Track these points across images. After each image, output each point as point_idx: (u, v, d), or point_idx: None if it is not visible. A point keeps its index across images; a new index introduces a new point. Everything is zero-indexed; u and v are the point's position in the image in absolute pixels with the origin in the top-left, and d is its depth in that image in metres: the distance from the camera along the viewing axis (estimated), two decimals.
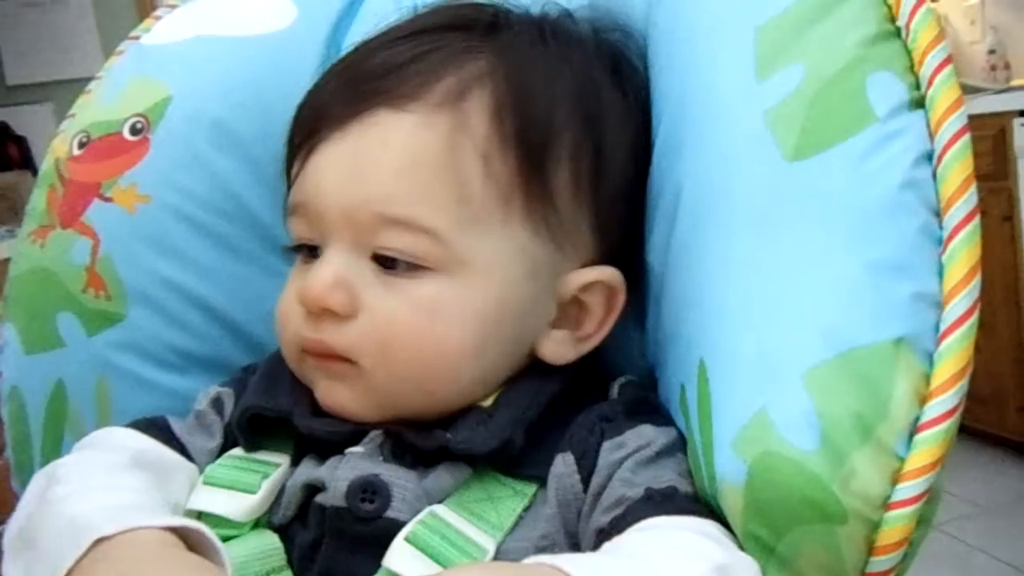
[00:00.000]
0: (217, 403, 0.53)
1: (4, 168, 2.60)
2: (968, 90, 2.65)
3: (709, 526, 0.42)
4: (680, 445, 0.47)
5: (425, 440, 0.46)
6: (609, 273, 0.50)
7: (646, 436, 0.46)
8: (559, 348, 0.50)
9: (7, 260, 2.01)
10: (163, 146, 0.59)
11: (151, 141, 0.59)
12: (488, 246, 0.46)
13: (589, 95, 0.50)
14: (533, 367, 0.50)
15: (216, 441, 0.52)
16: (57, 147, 0.62)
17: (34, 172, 2.71)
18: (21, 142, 2.72)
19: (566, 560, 0.35)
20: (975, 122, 2.24)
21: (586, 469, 0.45)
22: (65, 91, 2.84)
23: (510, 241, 0.47)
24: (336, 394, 0.47)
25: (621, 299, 0.50)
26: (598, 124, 0.50)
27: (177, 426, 0.53)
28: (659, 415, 0.49)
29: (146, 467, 0.47)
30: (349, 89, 0.48)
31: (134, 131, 0.60)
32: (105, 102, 0.62)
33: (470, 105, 0.47)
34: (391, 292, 0.46)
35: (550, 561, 0.35)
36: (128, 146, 0.59)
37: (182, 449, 0.51)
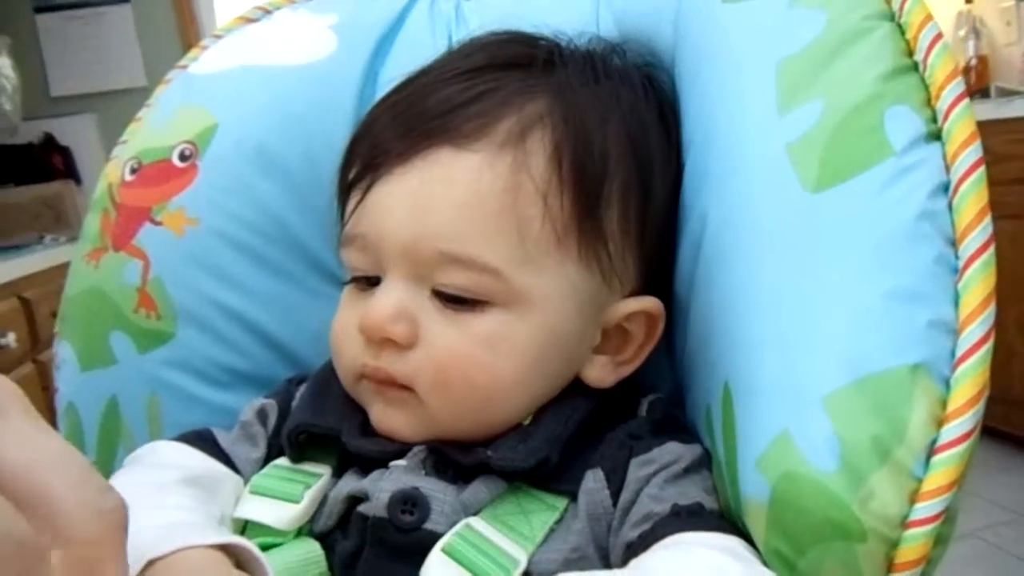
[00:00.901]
0: (262, 414, 0.56)
1: (49, 178, 2.66)
2: (1004, 93, 2.63)
3: (733, 542, 0.43)
4: (706, 462, 0.49)
5: (466, 457, 0.48)
6: (651, 303, 0.52)
7: (674, 453, 0.48)
8: (601, 372, 0.52)
9: (55, 267, 2.06)
10: (210, 172, 0.62)
11: (199, 167, 0.62)
12: (543, 282, 0.48)
13: (638, 136, 0.51)
14: (570, 386, 0.51)
15: (260, 451, 0.54)
16: (110, 172, 0.65)
17: (78, 181, 2.77)
18: (66, 152, 2.78)
19: None
20: (1012, 125, 2.23)
21: (615, 485, 0.47)
22: (107, 102, 2.91)
23: (563, 277, 0.49)
24: (391, 419, 0.49)
25: (660, 326, 0.52)
26: (646, 164, 0.51)
27: (222, 438, 0.55)
28: (686, 432, 0.51)
29: (194, 482, 0.49)
30: (410, 126, 0.49)
31: (182, 157, 0.62)
32: (155, 129, 0.65)
33: (530, 146, 0.48)
34: (450, 325, 0.48)
35: None
36: (177, 172, 0.62)
37: (227, 460, 0.54)
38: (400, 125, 0.49)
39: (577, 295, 0.49)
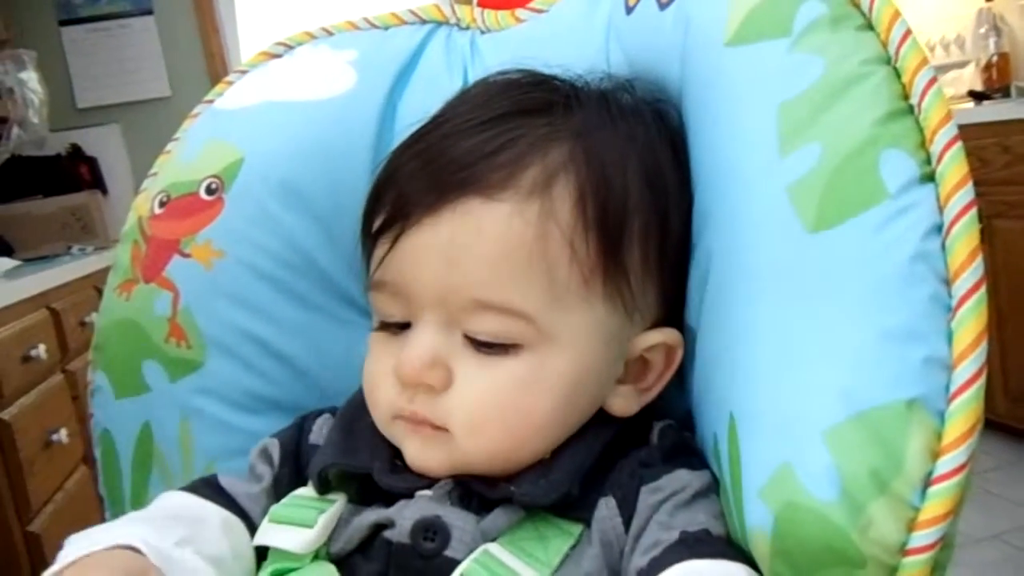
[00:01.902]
0: (265, 454, 0.58)
1: (76, 188, 2.71)
2: None
3: (738, 569, 0.45)
4: (714, 487, 0.50)
5: (490, 491, 0.50)
6: (671, 334, 0.54)
7: (682, 481, 0.49)
8: (625, 402, 0.54)
9: (84, 278, 2.09)
10: (236, 205, 0.64)
11: (224, 201, 0.64)
12: (571, 321, 0.50)
13: (654, 173, 0.53)
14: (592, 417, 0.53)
15: (262, 485, 0.57)
16: (140, 205, 0.68)
17: (104, 191, 2.82)
18: (92, 163, 2.83)
19: None
20: None
21: (627, 512, 0.49)
22: (132, 112, 2.97)
23: (590, 316, 0.51)
24: (426, 457, 0.51)
25: (679, 355, 0.54)
26: (663, 200, 0.53)
27: (226, 481, 0.57)
28: (695, 458, 0.52)
29: (173, 518, 0.52)
30: (438, 176, 0.50)
31: (209, 191, 0.65)
32: (183, 163, 0.68)
33: (556, 193, 0.49)
34: (482, 368, 0.50)
35: None
36: (204, 205, 0.65)
37: (230, 500, 0.56)
38: (428, 175, 0.51)
39: (603, 331, 0.51)
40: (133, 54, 2.99)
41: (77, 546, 0.46)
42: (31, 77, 2.51)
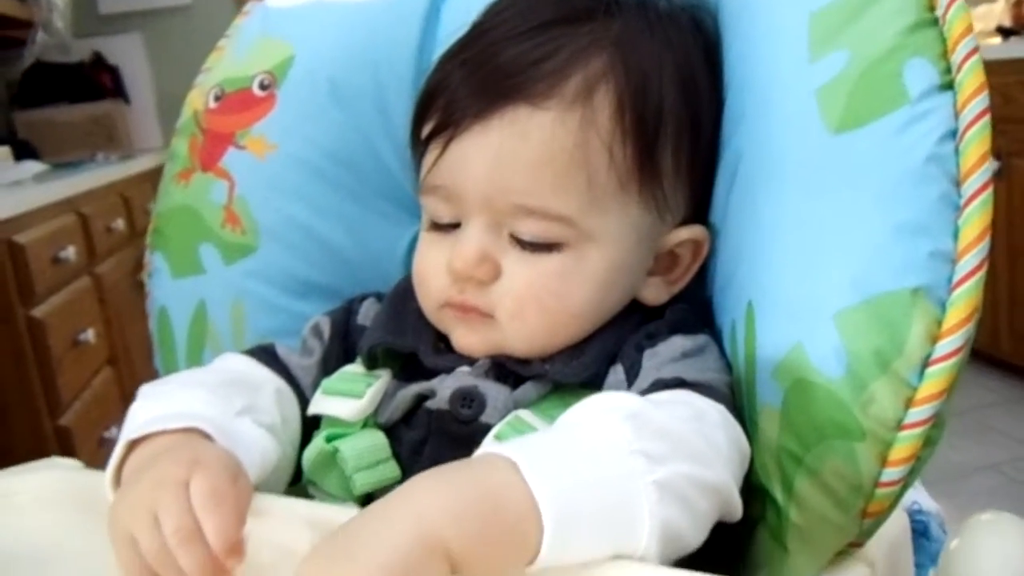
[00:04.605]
0: (316, 330, 0.63)
1: (99, 97, 2.73)
2: None
3: (693, 397, 0.49)
4: (708, 348, 0.55)
5: (525, 369, 0.55)
6: (699, 231, 0.58)
7: (675, 344, 0.54)
8: (656, 292, 0.58)
9: (110, 185, 2.13)
10: (287, 101, 0.68)
11: (276, 97, 0.68)
12: (608, 222, 0.54)
13: (689, 80, 0.56)
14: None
15: (314, 359, 0.62)
16: (194, 99, 0.71)
17: (126, 100, 2.84)
18: (114, 71, 2.84)
19: (508, 446, 0.43)
20: None
21: (632, 378, 0.54)
22: (153, 20, 2.95)
23: (625, 216, 0.55)
24: (471, 341, 0.56)
25: (705, 249, 0.59)
26: (696, 107, 0.57)
27: (282, 350, 0.62)
28: (694, 328, 0.56)
29: (231, 383, 0.56)
30: (485, 84, 0.53)
31: (262, 87, 0.69)
32: (235, 59, 0.71)
33: (596, 102, 0.53)
34: (526, 263, 0.54)
35: (494, 449, 0.42)
36: (257, 100, 0.69)
37: (284, 368, 0.61)
38: (476, 83, 0.54)
39: (637, 230, 0.56)
40: None
41: (151, 411, 0.51)
42: None
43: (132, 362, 2.17)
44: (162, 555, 0.41)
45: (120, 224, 2.21)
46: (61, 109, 2.63)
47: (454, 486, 0.40)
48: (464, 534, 0.38)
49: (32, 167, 2.13)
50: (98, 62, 2.82)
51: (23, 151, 2.32)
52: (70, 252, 1.83)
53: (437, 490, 0.39)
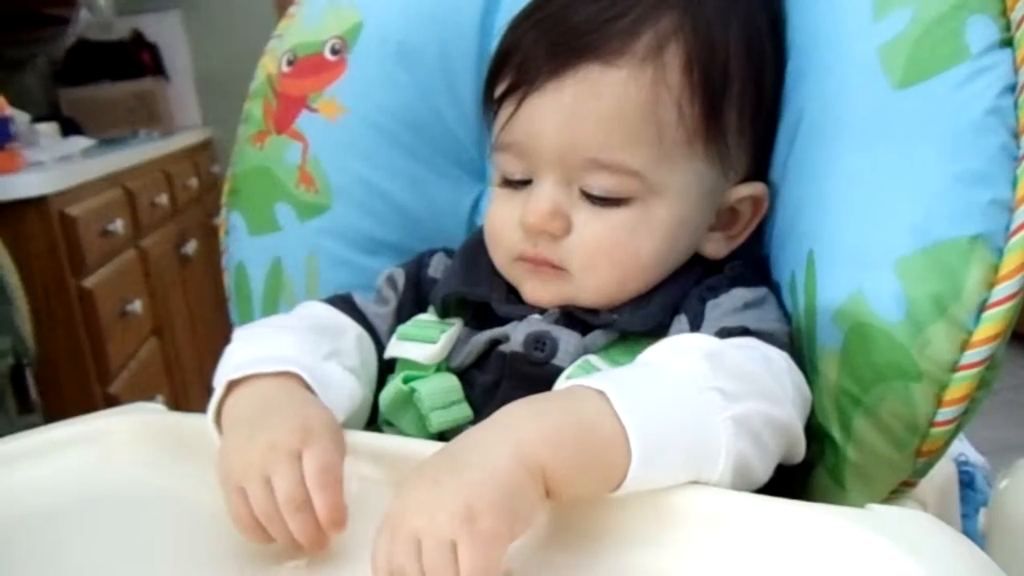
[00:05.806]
0: (391, 280, 0.67)
1: (139, 74, 2.76)
2: None
3: (758, 343, 0.52)
4: (768, 300, 0.58)
5: (593, 318, 0.58)
6: (759, 188, 0.61)
7: (737, 295, 0.57)
8: (716, 246, 0.61)
9: (153, 161, 2.16)
10: (358, 65, 0.71)
11: (347, 61, 0.71)
12: (675, 177, 0.56)
13: (755, 40, 0.59)
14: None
15: (389, 307, 0.65)
16: (267, 64, 0.75)
17: (166, 78, 2.87)
18: (153, 49, 2.87)
19: (596, 378, 0.45)
20: None
21: (696, 326, 0.56)
22: None
23: (691, 172, 0.57)
24: (542, 292, 0.59)
25: (765, 206, 0.61)
26: (760, 68, 0.59)
27: (359, 299, 0.66)
28: (753, 282, 0.59)
29: (317, 329, 0.60)
30: (559, 43, 0.56)
31: (333, 51, 0.72)
32: (306, 25, 0.74)
33: (666, 60, 0.55)
34: (597, 217, 0.56)
35: (582, 382, 0.45)
36: (329, 65, 0.72)
37: (361, 316, 0.64)
38: (549, 42, 0.56)
39: (701, 185, 0.58)
40: None
41: (247, 353, 0.55)
42: None
43: (175, 334, 2.22)
44: (274, 516, 0.44)
45: (164, 199, 2.26)
46: (104, 87, 2.67)
47: (550, 415, 0.43)
48: (560, 459, 0.41)
49: (79, 142, 2.17)
50: (138, 40, 2.85)
51: (68, 127, 2.36)
52: (118, 225, 1.87)
53: (534, 418, 0.43)
